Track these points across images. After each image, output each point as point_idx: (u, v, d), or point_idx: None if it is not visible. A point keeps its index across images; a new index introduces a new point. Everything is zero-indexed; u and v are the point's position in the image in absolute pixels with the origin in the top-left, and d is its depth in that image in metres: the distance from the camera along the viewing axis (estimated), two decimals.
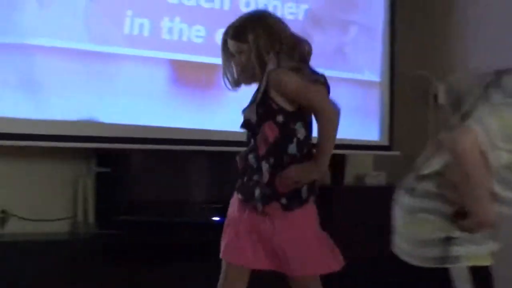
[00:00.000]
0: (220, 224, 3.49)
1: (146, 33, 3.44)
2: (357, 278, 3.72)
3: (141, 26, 3.48)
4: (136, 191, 3.65)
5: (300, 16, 3.86)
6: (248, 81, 2.14)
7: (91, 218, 3.45)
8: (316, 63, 3.86)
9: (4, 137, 3.07)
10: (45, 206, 3.42)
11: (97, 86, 3.35)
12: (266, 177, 1.98)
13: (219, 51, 3.61)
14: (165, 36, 3.53)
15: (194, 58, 3.59)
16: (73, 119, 3.26)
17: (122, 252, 3.35)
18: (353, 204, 3.95)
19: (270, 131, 1.99)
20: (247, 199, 2.04)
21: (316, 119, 2.01)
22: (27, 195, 3.38)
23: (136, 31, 3.44)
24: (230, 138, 3.51)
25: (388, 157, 4.29)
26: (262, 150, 2.01)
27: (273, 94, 1.98)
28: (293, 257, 1.99)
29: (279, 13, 3.67)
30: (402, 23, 4.30)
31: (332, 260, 2.06)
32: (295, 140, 2.00)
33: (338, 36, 4.04)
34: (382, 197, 3.81)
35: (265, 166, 1.98)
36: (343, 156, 4.05)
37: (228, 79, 2.19)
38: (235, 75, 2.17)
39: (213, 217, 3.70)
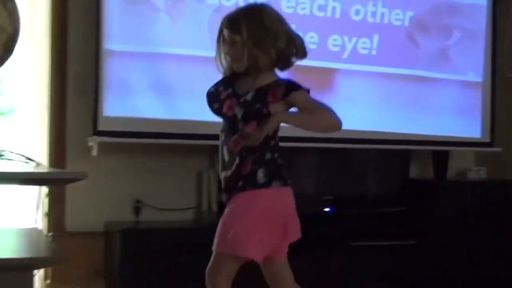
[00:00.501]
0: (331, 214, 3.71)
1: None
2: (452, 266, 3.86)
3: None
4: None
5: (406, 22, 3.86)
6: (240, 69, 2.08)
7: (214, 208, 3.52)
8: (422, 66, 3.89)
9: (139, 135, 3.28)
10: (173, 197, 3.57)
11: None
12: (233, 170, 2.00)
13: (332, 56, 3.78)
14: None
15: (308, 63, 3.73)
16: (199, 119, 3.32)
17: None
18: (455, 197, 3.93)
19: (252, 131, 1.98)
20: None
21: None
22: (158, 187, 3.53)
23: None
24: (340, 136, 3.62)
25: (490, 153, 4.23)
26: (238, 147, 2.00)
27: (273, 102, 2.00)
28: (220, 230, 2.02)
29: (386, 20, 3.80)
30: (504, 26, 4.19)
31: (255, 250, 1.97)
32: (272, 143, 2.04)
33: (442, 40, 4.00)
34: (483, 192, 3.90)
35: (237, 160, 1.99)
36: (446, 152, 4.02)
37: (221, 65, 2.13)
38: (228, 63, 2.11)
39: (325, 208, 3.79)
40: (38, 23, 3.51)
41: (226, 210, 2.05)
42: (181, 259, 3.20)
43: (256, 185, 1.98)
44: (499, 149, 4.14)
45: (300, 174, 3.78)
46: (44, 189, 3.30)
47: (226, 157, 2.07)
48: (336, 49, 3.74)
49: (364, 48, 3.81)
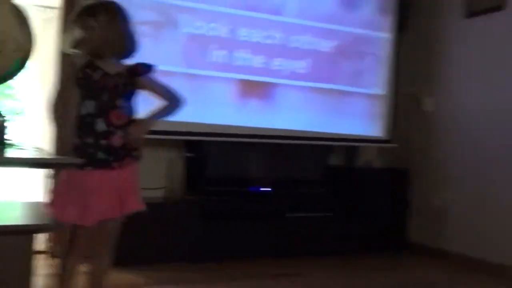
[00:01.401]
0: (271, 193, 3.80)
1: (223, 60, 3.52)
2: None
3: (221, 56, 3.53)
4: (213, 169, 3.62)
5: (332, 50, 3.87)
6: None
7: (181, 188, 3.58)
8: (342, 82, 3.98)
9: None
10: (151, 180, 3.36)
11: (189, 97, 3.46)
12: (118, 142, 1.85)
13: (275, 73, 3.75)
14: (237, 62, 3.57)
15: (256, 78, 3.65)
16: (175, 120, 3.33)
17: (204, 212, 3.42)
18: (363, 182, 4.03)
19: (132, 109, 1.91)
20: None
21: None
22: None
23: (217, 59, 3.51)
24: (278, 134, 3.70)
25: (388, 148, 4.32)
26: (123, 120, 1.86)
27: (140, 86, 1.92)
28: None
29: (316, 48, 3.81)
30: (403, 54, 4.21)
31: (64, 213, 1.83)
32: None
33: (358, 63, 4.02)
34: (382, 177, 4.11)
35: (120, 133, 1.85)
36: (357, 147, 4.16)
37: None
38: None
39: (266, 188, 3.79)
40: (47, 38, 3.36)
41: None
42: (153, 228, 3.13)
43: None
44: (395, 145, 4.23)
45: (248, 163, 3.82)
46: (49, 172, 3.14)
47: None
48: (278, 68, 3.77)
49: (299, 68, 3.83)
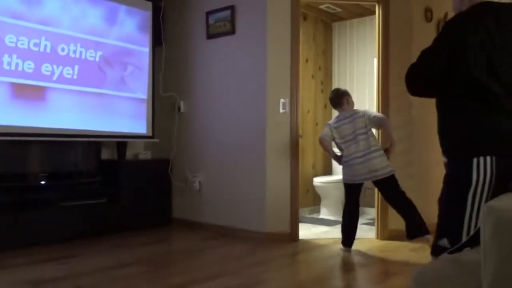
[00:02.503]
0: (46, 185, 3.97)
1: None
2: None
3: None
4: None
5: (97, 58, 4.20)
6: None
7: None
8: (109, 87, 4.38)
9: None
10: None
11: None
12: None
13: (44, 78, 3.87)
14: (6, 67, 3.65)
15: (27, 81, 3.78)
16: None
17: None
18: (132, 172, 4.42)
19: None
20: None
21: None
22: None
23: None
24: (52, 132, 3.89)
25: (152, 143, 4.80)
26: None
27: None
28: None
29: (83, 56, 4.09)
30: (162, 64, 4.73)
31: None
32: None
33: (121, 71, 4.40)
34: (148, 166, 4.65)
35: None
36: (125, 142, 4.54)
37: None
38: None
39: (42, 181, 3.94)
40: None
41: None
42: None
43: None
44: (157, 140, 4.76)
45: (25, 160, 3.90)
46: None
47: None
48: (48, 73, 3.94)
49: (68, 74, 4.07)
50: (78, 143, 4.19)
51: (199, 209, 4.54)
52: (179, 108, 4.71)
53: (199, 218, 4.53)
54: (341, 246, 3.74)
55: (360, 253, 3.66)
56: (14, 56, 3.72)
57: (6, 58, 3.68)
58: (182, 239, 4.16)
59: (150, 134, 4.67)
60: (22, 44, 3.77)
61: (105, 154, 4.55)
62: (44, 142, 3.96)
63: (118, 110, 4.40)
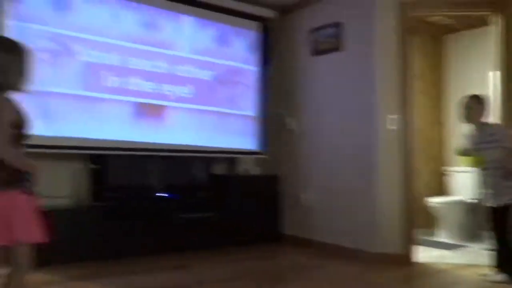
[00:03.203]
0: (166, 198, 4.10)
1: (117, 85, 3.84)
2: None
3: (115, 81, 3.83)
4: (114, 178, 3.88)
5: (211, 78, 4.37)
6: None
7: (86, 195, 3.82)
8: (221, 105, 4.44)
9: (42, 147, 3.40)
10: (58, 188, 3.67)
11: (90, 117, 3.71)
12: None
13: (164, 97, 4.07)
14: (131, 87, 3.91)
15: (148, 101, 4.00)
16: (78, 136, 3.64)
17: (107, 215, 3.69)
18: (242, 187, 4.48)
19: None
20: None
21: None
22: (48, 181, 3.40)
23: (112, 84, 3.82)
24: (169, 148, 4.09)
25: (261, 159, 4.84)
26: None
27: None
28: None
29: (198, 76, 4.26)
30: (270, 82, 4.81)
31: None
32: None
33: (232, 89, 4.54)
34: (258, 182, 4.67)
35: None
36: (236, 158, 4.64)
37: None
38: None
39: (160, 193, 4.11)
40: None
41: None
42: (65, 230, 3.36)
43: None
44: (266, 156, 4.82)
45: (144, 173, 4.12)
46: None
47: None
48: (167, 93, 4.16)
49: (184, 93, 4.26)
50: (192, 159, 4.35)
51: (308, 226, 4.47)
52: (287, 125, 4.71)
53: (307, 235, 4.46)
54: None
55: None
56: (138, 77, 3.97)
57: (131, 80, 3.94)
58: (290, 256, 4.11)
59: (260, 151, 4.74)
60: (143, 66, 4.01)
61: (217, 169, 4.67)
62: (161, 157, 4.14)
63: (229, 127, 4.52)
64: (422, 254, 4.16)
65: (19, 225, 1.80)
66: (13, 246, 1.83)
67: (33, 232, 1.84)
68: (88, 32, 3.75)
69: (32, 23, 3.47)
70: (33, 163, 1.89)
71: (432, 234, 5.12)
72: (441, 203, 4.87)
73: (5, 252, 1.85)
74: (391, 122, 3.89)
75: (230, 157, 4.65)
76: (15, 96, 1.88)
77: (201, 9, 4.37)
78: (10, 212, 1.78)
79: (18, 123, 1.83)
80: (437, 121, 5.50)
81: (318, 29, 4.42)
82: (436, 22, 5.21)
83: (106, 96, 3.82)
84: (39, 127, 3.20)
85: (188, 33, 4.31)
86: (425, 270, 3.64)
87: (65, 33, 3.63)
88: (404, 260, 3.82)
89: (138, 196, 4.01)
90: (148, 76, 4.04)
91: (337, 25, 4.22)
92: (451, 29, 5.48)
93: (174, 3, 4.22)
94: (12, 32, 3.24)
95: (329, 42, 4.31)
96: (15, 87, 1.87)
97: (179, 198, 4.19)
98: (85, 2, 3.77)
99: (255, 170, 4.87)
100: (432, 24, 5.29)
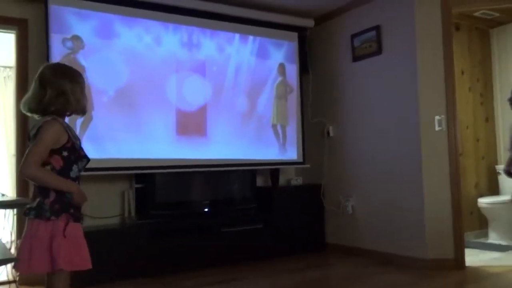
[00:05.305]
0: (209, 212, 4.17)
1: (159, 102, 3.90)
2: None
3: (156, 99, 3.89)
4: (159, 196, 3.96)
5: (251, 90, 4.36)
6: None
7: (133, 214, 3.92)
8: (262, 117, 4.42)
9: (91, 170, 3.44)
10: (106, 209, 3.83)
11: (134, 137, 3.80)
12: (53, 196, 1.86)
13: (205, 112, 4.09)
14: (172, 103, 3.93)
15: (189, 119, 4.03)
16: (122, 157, 3.73)
17: (153, 232, 3.76)
18: (285, 198, 4.47)
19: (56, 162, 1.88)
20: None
21: None
22: (96, 202, 3.75)
23: (153, 101, 3.87)
24: (214, 163, 4.14)
25: (303, 168, 4.84)
26: None
27: None
28: None
29: (237, 90, 4.32)
30: (309, 91, 4.82)
31: None
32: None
33: (272, 100, 4.54)
34: (301, 192, 4.64)
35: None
36: (278, 169, 4.64)
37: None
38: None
39: (204, 208, 4.19)
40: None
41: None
42: (112, 249, 3.47)
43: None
44: (308, 166, 4.80)
45: (188, 189, 4.18)
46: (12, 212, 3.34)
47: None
48: (209, 107, 4.20)
49: (225, 106, 4.28)
50: (235, 172, 4.40)
51: (353, 234, 4.42)
52: (328, 133, 4.69)
53: (353, 243, 4.41)
54: None
55: None
56: (179, 95, 4.05)
57: (173, 99, 4.03)
58: (338, 265, 4.06)
59: (301, 160, 4.74)
60: (185, 83, 4.10)
61: (260, 181, 4.69)
62: (204, 173, 4.21)
63: (269, 138, 4.54)
64: (474, 258, 4.03)
65: (61, 254, 1.82)
66: (54, 272, 1.87)
67: (75, 261, 1.87)
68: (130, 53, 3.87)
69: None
70: (72, 183, 1.91)
71: (483, 236, 4.95)
72: (492, 203, 4.68)
73: (48, 277, 1.92)
74: (438, 122, 3.79)
75: (272, 168, 4.66)
76: (74, 121, 1.98)
77: (241, 24, 4.43)
78: (53, 241, 1.82)
79: (68, 146, 1.89)
80: (486, 118, 5.31)
81: (357, 34, 4.38)
82: (481, 16, 5.05)
83: (148, 115, 3.89)
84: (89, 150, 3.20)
85: (229, 50, 4.38)
86: (479, 274, 3.52)
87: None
88: (456, 264, 3.70)
89: (183, 212, 4.08)
90: (190, 92, 4.11)
91: (377, 28, 4.18)
92: (497, 23, 5.29)
93: (213, 21, 4.29)
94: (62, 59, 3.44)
95: (369, 46, 4.27)
96: (76, 112, 2.00)
97: (224, 212, 4.23)
98: (128, 28, 3.90)
99: (297, 180, 4.86)
100: (477, 19, 5.11)
